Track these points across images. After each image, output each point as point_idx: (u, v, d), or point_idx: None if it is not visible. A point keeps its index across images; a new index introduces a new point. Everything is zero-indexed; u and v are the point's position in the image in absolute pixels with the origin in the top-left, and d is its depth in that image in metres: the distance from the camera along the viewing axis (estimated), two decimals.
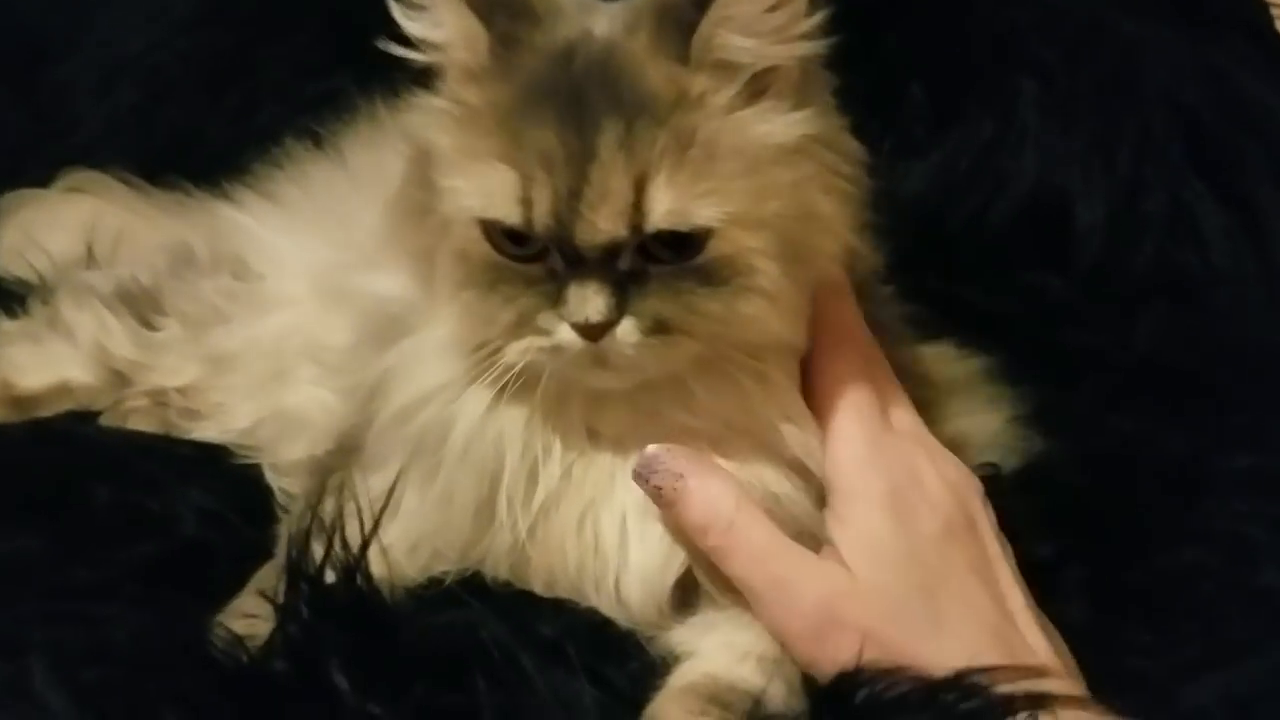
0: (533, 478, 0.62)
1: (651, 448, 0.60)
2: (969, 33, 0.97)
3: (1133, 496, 0.68)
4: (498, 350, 0.59)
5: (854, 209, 0.60)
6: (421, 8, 0.59)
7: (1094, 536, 0.65)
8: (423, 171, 0.61)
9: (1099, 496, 0.68)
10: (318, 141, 0.90)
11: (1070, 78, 0.95)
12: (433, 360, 0.64)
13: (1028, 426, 0.73)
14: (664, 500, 0.60)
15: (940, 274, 0.87)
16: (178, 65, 1.05)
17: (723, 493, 0.59)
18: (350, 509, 0.63)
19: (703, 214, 0.55)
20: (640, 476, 0.60)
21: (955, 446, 0.68)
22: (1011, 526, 0.63)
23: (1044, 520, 0.66)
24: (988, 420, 0.72)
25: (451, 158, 0.59)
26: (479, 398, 0.62)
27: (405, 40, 0.61)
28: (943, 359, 0.75)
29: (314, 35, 1.04)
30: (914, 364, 0.70)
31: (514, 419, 0.62)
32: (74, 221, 0.96)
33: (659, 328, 0.57)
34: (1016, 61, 0.95)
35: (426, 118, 0.61)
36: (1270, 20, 1.03)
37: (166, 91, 1.04)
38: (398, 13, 0.60)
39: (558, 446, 0.62)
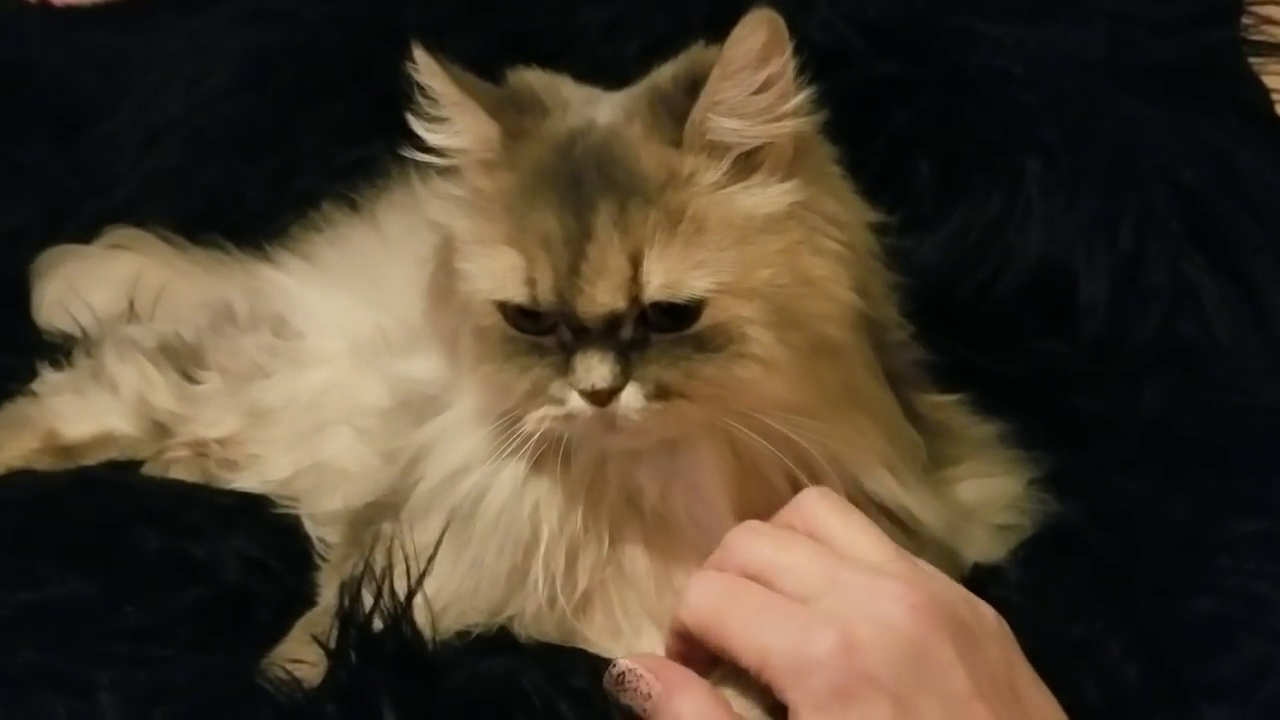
0: (569, 546, 0.64)
1: (621, 663, 0.56)
2: (976, 113, 0.99)
3: (1146, 557, 0.70)
4: (517, 420, 0.62)
5: (851, 270, 0.62)
6: (442, 119, 0.63)
7: (1128, 601, 0.66)
8: (446, 257, 0.65)
9: (1119, 559, 0.69)
10: (353, 206, 0.94)
11: (1073, 157, 0.96)
12: (463, 434, 0.66)
13: (1044, 490, 0.74)
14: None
15: (950, 341, 0.88)
16: (216, 129, 1.09)
17: (692, 712, 0.54)
18: (397, 561, 0.65)
19: (695, 285, 0.58)
20: (611, 693, 0.57)
21: (975, 508, 0.71)
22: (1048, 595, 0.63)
23: (1080, 587, 0.66)
24: (1008, 483, 0.73)
25: (466, 243, 0.63)
26: (513, 469, 0.64)
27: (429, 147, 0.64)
28: (959, 412, 0.76)
29: (349, 104, 1.07)
30: (931, 411, 0.72)
31: (550, 490, 0.64)
32: (117, 277, 0.99)
33: (661, 393, 0.59)
34: (1021, 141, 0.97)
35: (446, 205, 0.65)
36: (1269, 100, 1.05)
37: (206, 154, 1.08)
38: (419, 127, 0.64)
39: (593, 516, 0.64)
